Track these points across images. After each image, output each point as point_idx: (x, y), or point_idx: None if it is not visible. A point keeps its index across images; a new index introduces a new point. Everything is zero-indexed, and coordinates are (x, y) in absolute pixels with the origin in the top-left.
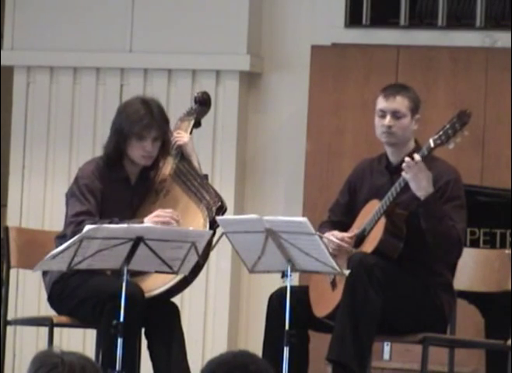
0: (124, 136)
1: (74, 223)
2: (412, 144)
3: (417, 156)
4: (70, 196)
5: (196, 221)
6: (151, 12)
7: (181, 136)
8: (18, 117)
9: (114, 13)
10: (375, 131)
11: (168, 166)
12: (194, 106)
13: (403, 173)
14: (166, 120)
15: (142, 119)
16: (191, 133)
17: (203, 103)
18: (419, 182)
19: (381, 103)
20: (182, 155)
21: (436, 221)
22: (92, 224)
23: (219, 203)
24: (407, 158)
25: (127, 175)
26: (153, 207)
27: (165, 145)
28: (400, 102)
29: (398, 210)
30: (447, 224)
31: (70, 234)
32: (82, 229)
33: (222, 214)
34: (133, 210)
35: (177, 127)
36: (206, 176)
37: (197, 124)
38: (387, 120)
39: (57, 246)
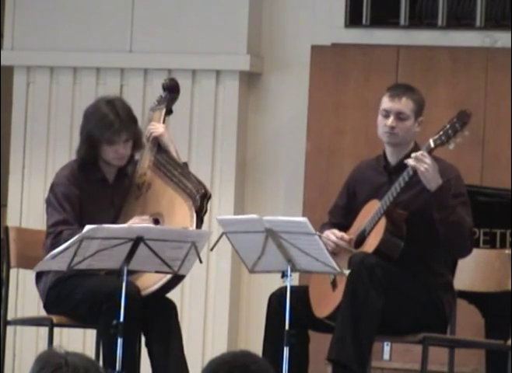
0: (96, 142)
1: (52, 234)
2: (412, 146)
3: (421, 151)
4: (48, 204)
5: (182, 212)
6: (151, 12)
7: (156, 127)
8: (18, 117)
9: (114, 13)
10: (377, 130)
11: (146, 160)
12: (164, 93)
13: (412, 162)
14: (134, 120)
15: (111, 125)
16: (164, 122)
17: (172, 90)
18: (430, 173)
19: (386, 103)
20: (159, 147)
21: (449, 211)
22: (70, 233)
23: (203, 191)
24: (413, 154)
25: (104, 175)
26: (137, 203)
27: (136, 142)
28: (405, 104)
29: (398, 210)
30: (460, 215)
31: (49, 246)
32: (60, 239)
33: (207, 201)
34: (115, 209)
35: (149, 118)
36: (186, 164)
37: (168, 112)
38: (391, 120)
39: (45, 255)
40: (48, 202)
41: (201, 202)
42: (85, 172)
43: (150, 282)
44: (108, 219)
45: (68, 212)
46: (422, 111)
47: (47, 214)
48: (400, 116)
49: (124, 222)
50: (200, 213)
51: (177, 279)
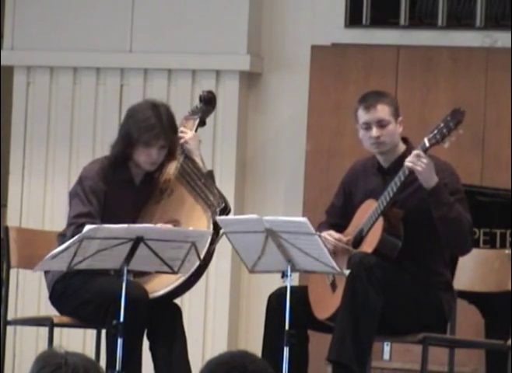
0: (132, 142)
1: (74, 224)
2: (401, 146)
3: (417, 152)
4: (73, 195)
5: (200, 223)
6: (151, 12)
7: (185, 134)
8: (18, 117)
9: (114, 13)
10: (363, 144)
11: (172, 165)
12: (199, 104)
13: (409, 164)
14: (174, 129)
15: (151, 128)
16: (195, 131)
17: (208, 102)
18: (427, 173)
19: (363, 116)
20: (186, 154)
21: (447, 209)
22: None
23: (223, 205)
24: (410, 156)
25: (131, 176)
26: (157, 207)
27: (171, 151)
28: (381, 111)
29: (394, 209)
30: (458, 210)
31: (70, 235)
32: (82, 231)
33: (226, 215)
34: (137, 211)
35: (181, 126)
36: (211, 172)
37: (201, 123)
38: (374, 131)
39: (59, 245)
40: (74, 194)
41: (220, 215)
42: (114, 170)
43: (159, 287)
44: (128, 220)
45: (93, 206)
46: (399, 111)
47: (69, 206)
48: (381, 124)
49: (141, 223)
50: (217, 226)
51: (187, 285)
